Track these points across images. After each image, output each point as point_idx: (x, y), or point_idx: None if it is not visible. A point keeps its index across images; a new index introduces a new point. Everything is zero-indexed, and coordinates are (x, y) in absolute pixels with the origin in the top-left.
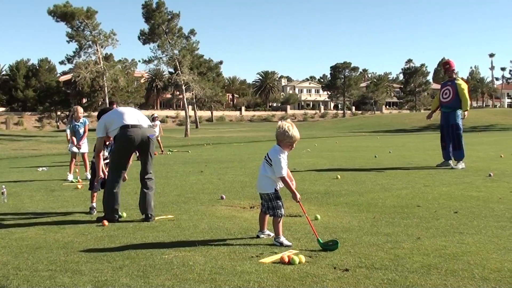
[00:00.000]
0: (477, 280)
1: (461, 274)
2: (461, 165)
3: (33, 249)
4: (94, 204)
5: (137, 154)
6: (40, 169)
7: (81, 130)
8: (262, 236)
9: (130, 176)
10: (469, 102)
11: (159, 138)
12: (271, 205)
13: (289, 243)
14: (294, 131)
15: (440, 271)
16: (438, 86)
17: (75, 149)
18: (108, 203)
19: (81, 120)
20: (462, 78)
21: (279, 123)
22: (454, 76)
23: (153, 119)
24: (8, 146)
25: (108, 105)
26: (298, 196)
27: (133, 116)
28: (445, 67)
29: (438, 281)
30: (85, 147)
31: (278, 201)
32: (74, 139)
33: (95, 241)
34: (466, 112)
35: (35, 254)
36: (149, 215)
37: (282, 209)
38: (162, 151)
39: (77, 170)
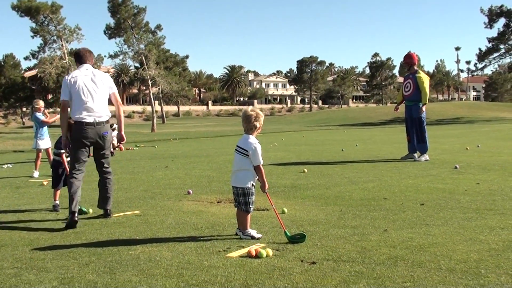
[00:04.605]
0: (444, 271)
1: (428, 266)
2: (425, 157)
3: None
4: (58, 202)
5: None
6: (5, 166)
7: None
8: (244, 237)
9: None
10: (427, 96)
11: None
12: (245, 200)
13: (259, 235)
14: (258, 111)
15: (407, 262)
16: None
17: (40, 146)
18: (70, 205)
19: (40, 113)
20: (423, 71)
21: (242, 112)
22: (415, 68)
23: (113, 129)
24: None
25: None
26: (267, 186)
27: (90, 107)
28: (406, 60)
29: (405, 273)
30: (47, 142)
31: (252, 196)
32: (45, 118)
33: (61, 237)
34: (423, 106)
35: (0, 252)
36: (108, 211)
37: (253, 205)
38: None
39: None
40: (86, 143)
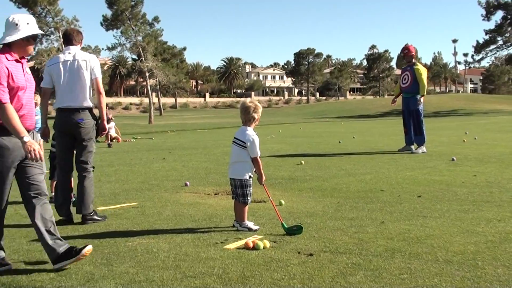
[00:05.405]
0: (441, 263)
1: (425, 257)
2: (422, 149)
3: None
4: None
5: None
6: None
7: (37, 117)
8: (241, 228)
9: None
10: (425, 87)
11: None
12: (243, 192)
13: (257, 227)
14: (257, 103)
15: (404, 254)
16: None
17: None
18: (56, 197)
19: (37, 108)
20: (421, 63)
21: (240, 104)
22: (413, 61)
23: (110, 120)
24: None
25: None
26: (264, 178)
27: (66, 93)
28: (404, 52)
29: (402, 264)
30: (38, 135)
31: (250, 188)
32: None
33: (58, 229)
34: (421, 98)
35: None
36: (86, 217)
37: (251, 196)
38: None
39: None
40: (65, 132)
